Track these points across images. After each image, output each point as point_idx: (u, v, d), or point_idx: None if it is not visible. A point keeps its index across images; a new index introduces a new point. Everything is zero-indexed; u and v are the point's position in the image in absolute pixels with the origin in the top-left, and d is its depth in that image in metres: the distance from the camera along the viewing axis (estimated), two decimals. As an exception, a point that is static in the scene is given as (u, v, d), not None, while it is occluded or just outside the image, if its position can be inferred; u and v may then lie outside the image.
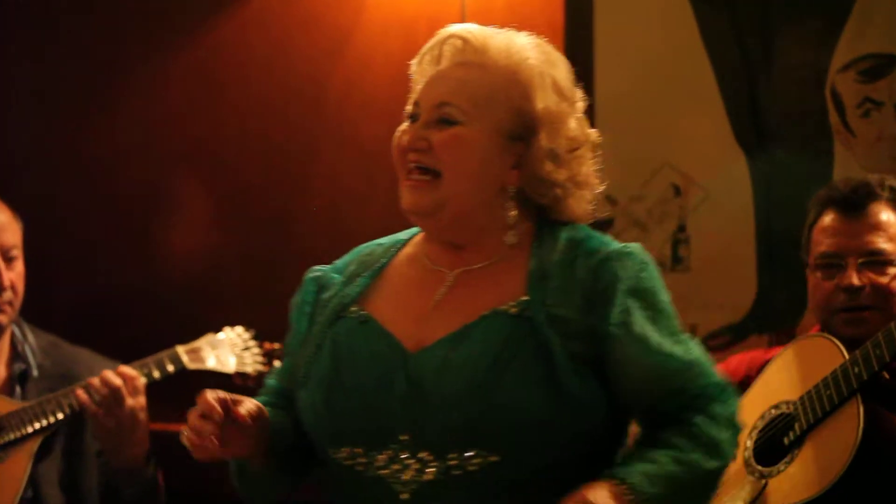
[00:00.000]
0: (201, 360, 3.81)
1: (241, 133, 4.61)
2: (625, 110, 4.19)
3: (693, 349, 2.39)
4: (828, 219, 3.28)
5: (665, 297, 2.41)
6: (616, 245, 2.44)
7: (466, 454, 2.30)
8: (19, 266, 3.78)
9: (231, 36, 4.58)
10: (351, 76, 4.49)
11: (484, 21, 2.55)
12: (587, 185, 2.51)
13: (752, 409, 3.26)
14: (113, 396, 3.59)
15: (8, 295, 3.73)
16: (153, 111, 4.68)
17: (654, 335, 2.35)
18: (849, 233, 3.25)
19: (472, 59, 2.47)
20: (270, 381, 2.64)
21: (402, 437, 2.35)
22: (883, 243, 3.22)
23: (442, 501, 2.32)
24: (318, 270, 2.60)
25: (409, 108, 2.50)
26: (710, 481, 2.36)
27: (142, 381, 3.66)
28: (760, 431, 3.26)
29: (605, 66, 4.21)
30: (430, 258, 2.51)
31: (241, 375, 3.86)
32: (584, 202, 2.51)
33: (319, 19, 4.51)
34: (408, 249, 2.57)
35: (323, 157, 4.55)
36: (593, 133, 2.53)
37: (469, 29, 2.50)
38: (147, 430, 3.68)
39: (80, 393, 3.62)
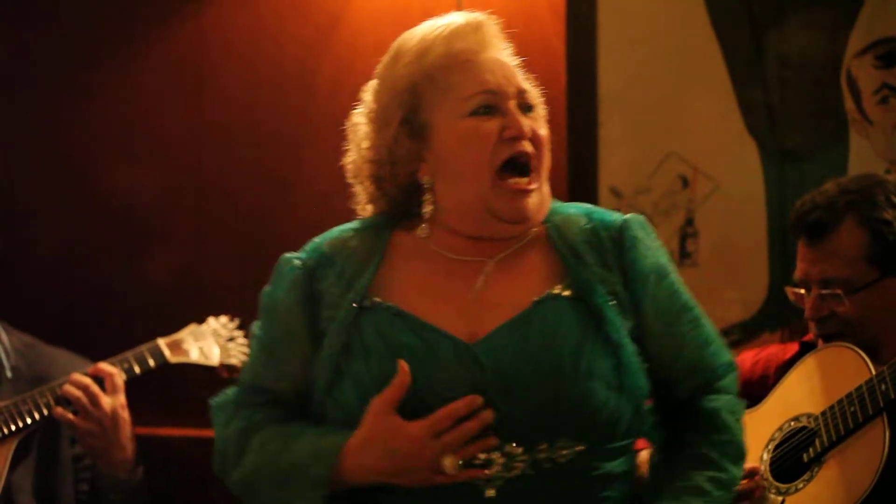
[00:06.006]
0: (184, 352, 3.78)
1: (225, 124, 4.52)
2: (629, 98, 4.14)
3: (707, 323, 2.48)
4: (798, 242, 3.25)
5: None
6: (621, 214, 2.46)
7: (557, 444, 2.28)
8: None
9: (214, 21, 4.49)
10: (341, 63, 4.39)
11: (484, 5, 2.51)
12: None
13: (770, 418, 3.19)
14: (87, 398, 3.55)
15: None
16: (131, 101, 4.58)
17: (690, 301, 2.45)
18: (810, 259, 3.19)
19: (502, 44, 2.46)
20: (247, 382, 2.50)
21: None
22: (835, 272, 3.14)
23: (530, 496, 2.28)
24: (298, 258, 2.47)
25: (475, 98, 2.39)
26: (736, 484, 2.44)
27: (121, 377, 3.62)
28: (778, 445, 3.17)
29: (609, 50, 4.15)
30: (454, 250, 2.43)
31: (227, 367, 3.81)
32: None
33: (309, 3, 4.41)
34: (402, 241, 2.46)
35: (312, 149, 4.45)
36: None
37: (483, 15, 2.47)
38: (132, 432, 3.64)
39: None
